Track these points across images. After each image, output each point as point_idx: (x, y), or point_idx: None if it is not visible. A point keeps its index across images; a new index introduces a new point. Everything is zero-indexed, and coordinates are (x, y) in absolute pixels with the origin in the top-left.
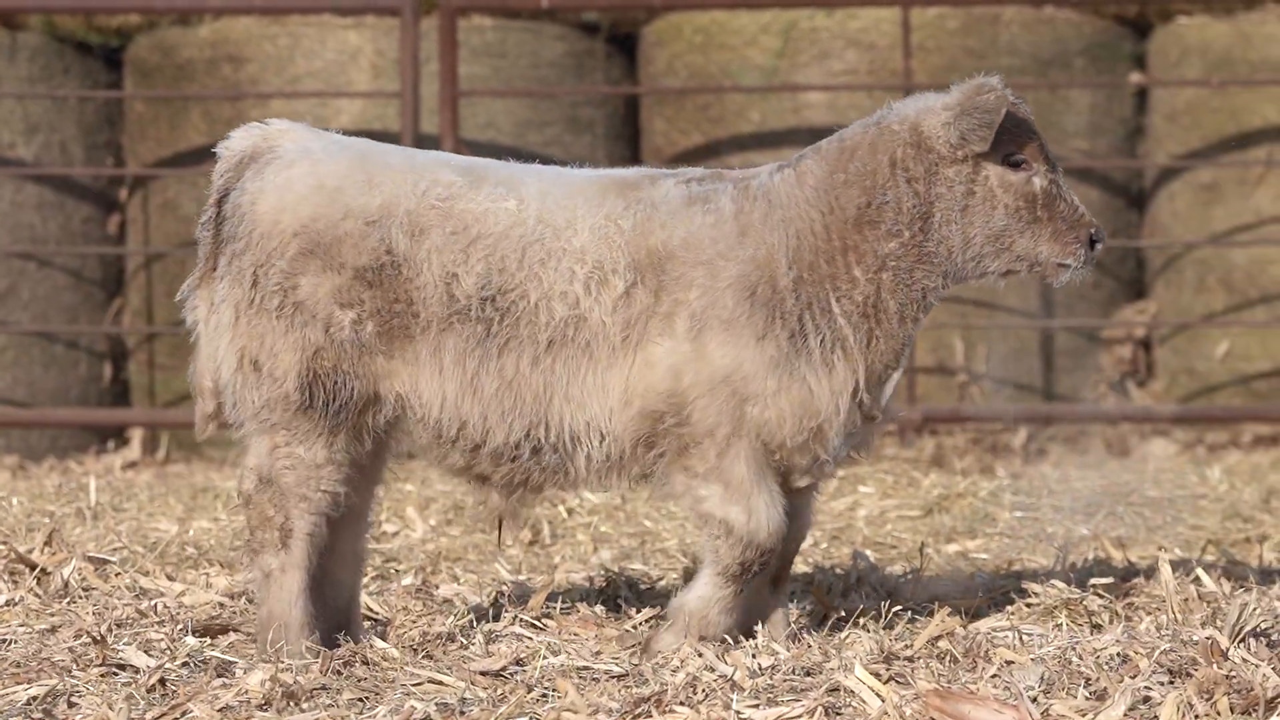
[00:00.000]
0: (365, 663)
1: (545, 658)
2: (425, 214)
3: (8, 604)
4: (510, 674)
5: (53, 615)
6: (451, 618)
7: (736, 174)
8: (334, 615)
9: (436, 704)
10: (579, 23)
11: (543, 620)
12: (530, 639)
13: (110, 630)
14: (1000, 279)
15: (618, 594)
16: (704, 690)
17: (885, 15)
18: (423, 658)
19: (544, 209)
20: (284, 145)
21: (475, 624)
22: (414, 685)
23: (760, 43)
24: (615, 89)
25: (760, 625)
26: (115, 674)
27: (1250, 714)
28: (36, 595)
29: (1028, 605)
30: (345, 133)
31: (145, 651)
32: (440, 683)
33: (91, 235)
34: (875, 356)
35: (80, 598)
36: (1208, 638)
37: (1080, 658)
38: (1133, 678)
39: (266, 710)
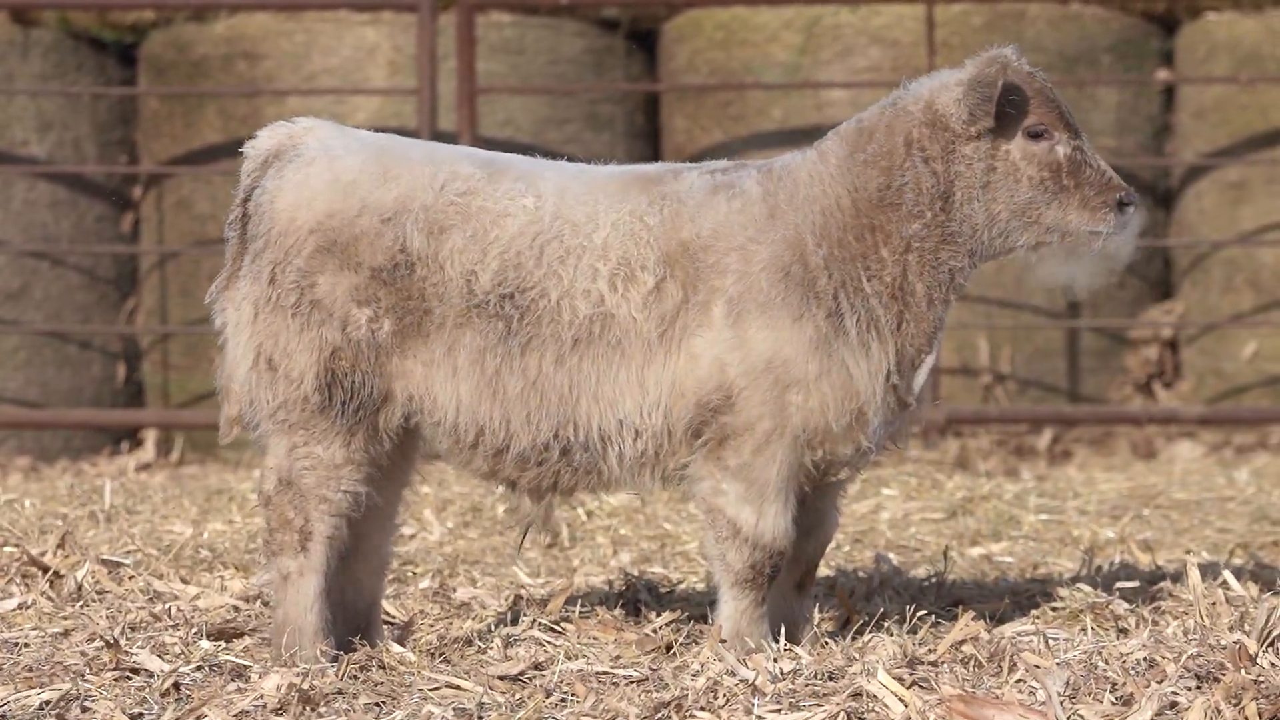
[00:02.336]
0: (382, 667)
1: (564, 662)
2: (443, 210)
3: (20, 607)
4: (528, 678)
5: (65, 619)
6: (469, 621)
7: (759, 161)
8: (354, 617)
9: (454, 709)
10: (598, 19)
11: (561, 624)
12: (549, 643)
13: (124, 634)
14: (1031, 252)
15: (637, 597)
16: (725, 695)
17: (909, 11)
18: (440, 662)
19: (562, 205)
20: (307, 143)
21: (493, 628)
22: (431, 690)
23: (782, 39)
24: (635, 86)
25: (783, 629)
26: (129, 678)
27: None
28: (49, 598)
29: (1053, 609)
30: (365, 130)
31: (159, 655)
32: (458, 687)
33: (105, 234)
34: (906, 340)
35: (93, 601)
36: (1235, 642)
37: (1106, 662)
38: (1159, 683)
39: (282, 715)
